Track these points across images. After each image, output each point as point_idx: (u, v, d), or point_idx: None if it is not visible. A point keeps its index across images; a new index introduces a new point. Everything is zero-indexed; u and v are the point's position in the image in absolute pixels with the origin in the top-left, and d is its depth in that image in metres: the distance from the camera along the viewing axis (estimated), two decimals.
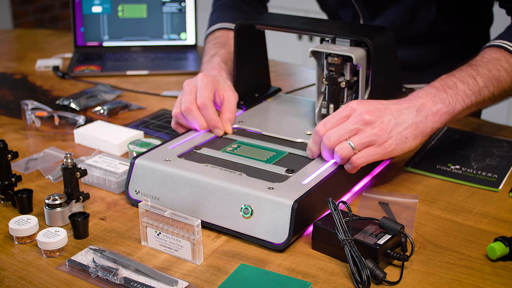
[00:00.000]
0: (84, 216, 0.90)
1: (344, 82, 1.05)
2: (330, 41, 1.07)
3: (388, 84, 1.07)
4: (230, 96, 1.11)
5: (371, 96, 1.04)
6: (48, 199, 0.92)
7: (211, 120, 1.06)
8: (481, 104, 1.05)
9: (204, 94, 1.06)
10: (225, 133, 1.08)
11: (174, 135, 1.20)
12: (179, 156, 0.99)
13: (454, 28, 1.38)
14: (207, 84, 1.08)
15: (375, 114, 0.94)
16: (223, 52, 1.25)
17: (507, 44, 1.09)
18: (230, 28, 1.34)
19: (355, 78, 1.06)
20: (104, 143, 1.15)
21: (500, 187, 1.02)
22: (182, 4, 1.73)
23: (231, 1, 1.43)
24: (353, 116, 0.94)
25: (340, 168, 0.95)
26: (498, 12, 1.38)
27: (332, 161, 0.96)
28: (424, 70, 1.41)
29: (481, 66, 1.05)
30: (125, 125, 1.26)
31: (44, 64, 1.66)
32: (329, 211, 0.86)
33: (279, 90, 1.29)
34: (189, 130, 1.10)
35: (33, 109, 1.28)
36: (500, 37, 1.12)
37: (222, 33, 1.33)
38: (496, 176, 1.05)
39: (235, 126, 1.11)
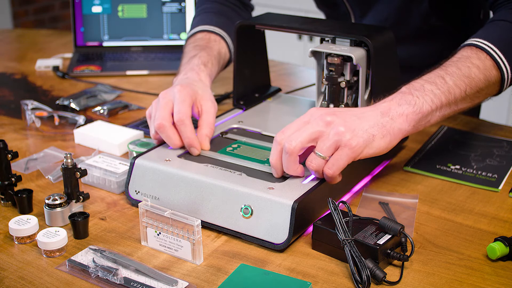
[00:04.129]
0: (84, 216, 0.90)
1: (344, 82, 1.05)
2: (330, 41, 1.07)
3: (388, 84, 1.07)
4: (209, 108, 1.05)
5: (371, 96, 1.04)
6: (48, 199, 0.92)
7: (187, 138, 0.99)
8: (454, 104, 0.99)
9: (181, 110, 0.99)
10: (203, 150, 1.02)
11: None
12: (179, 156, 0.99)
13: (447, 23, 1.38)
14: (185, 98, 1.01)
15: (336, 114, 0.89)
16: (203, 54, 1.20)
17: (479, 42, 1.04)
18: (212, 31, 1.29)
19: (355, 78, 1.06)
20: (104, 143, 1.15)
21: (500, 187, 1.02)
22: (182, 4, 1.73)
23: (215, 6, 1.39)
24: (313, 119, 0.89)
25: None
26: None
27: None
28: (422, 70, 1.41)
29: (450, 65, 1.01)
30: (125, 125, 1.26)
31: (44, 64, 1.66)
32: (329, 211, 0.86)
33: (279, 90, 1.29)
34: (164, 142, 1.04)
35: (33, 109, 1.28)
36: (473, 36, 1.07)
37: (203, 36, 1.28)
38: (496, 176, 1.05)
39: (235, 126, 1.11)
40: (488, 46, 1.03)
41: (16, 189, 0.98)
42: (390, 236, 0.82)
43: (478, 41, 1.04)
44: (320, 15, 1.57)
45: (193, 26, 1.34)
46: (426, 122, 0.96)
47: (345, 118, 0.89)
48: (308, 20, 1.14)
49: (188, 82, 1.08)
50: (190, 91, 1.04)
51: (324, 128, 0.88)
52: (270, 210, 0.86)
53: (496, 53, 1.02)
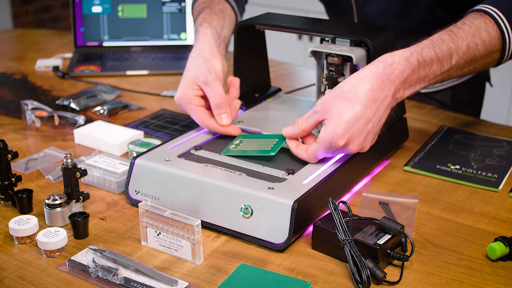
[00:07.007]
0: (84, 216, 0.90)
1: None
2: (330, 41, 1.07)
3: None
4: (211, 90, 1.08)
5: None
6: (48, 199, 0.92)
7: (220, 130, 1.07)
8: (446, 79, 1.01)
9: (197, 118, 1.07)
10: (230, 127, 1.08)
11: (174, 135, 1.20)
12: (179, 156, 0.99)
13: (452, 14, 1.37)
14: (189, 102, 1.07)
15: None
16: (202, 16, 1.20)
17: (490, 9, 1.01)
18: None
19: None
20: (104, 143, 1.15)
21: (500, 187, 1.02)
22: (182, 4, 1.73)
23: None
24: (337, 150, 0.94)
25: (340, 168, 0.95)
26: None
27: (332, 161, 0.96)
28: None
29: (462, 38, 0.99)
30: (125, 125, 1.26)
31: (44, 64, 1.66)
32: (329, 211, 0.86)
33: (279, 90, 1.29)
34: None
35: (33, 109, 1.28)
36: (486, 1, 1.04)
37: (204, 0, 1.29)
38: (496, 176, 1.05)
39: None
40: (499, 16, 1.01)
41: (16, 189, 0.98)
42: (390, 236, 0.82)
43: (489, 8, 1.02)
44: (320, 14, 1.57)
45: None
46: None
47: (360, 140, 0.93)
48: (308, 20, 1.14)
49: (185, 78, 1.10)
50: (188, 93, 1.08)
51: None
52: (270, 210, 0.86)
53: (504, 24, 1.01)
